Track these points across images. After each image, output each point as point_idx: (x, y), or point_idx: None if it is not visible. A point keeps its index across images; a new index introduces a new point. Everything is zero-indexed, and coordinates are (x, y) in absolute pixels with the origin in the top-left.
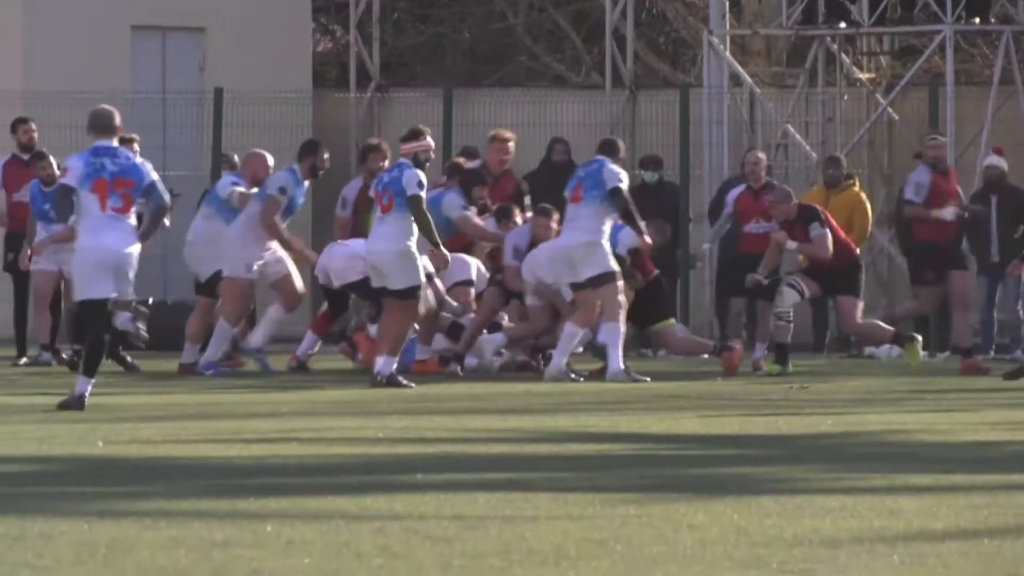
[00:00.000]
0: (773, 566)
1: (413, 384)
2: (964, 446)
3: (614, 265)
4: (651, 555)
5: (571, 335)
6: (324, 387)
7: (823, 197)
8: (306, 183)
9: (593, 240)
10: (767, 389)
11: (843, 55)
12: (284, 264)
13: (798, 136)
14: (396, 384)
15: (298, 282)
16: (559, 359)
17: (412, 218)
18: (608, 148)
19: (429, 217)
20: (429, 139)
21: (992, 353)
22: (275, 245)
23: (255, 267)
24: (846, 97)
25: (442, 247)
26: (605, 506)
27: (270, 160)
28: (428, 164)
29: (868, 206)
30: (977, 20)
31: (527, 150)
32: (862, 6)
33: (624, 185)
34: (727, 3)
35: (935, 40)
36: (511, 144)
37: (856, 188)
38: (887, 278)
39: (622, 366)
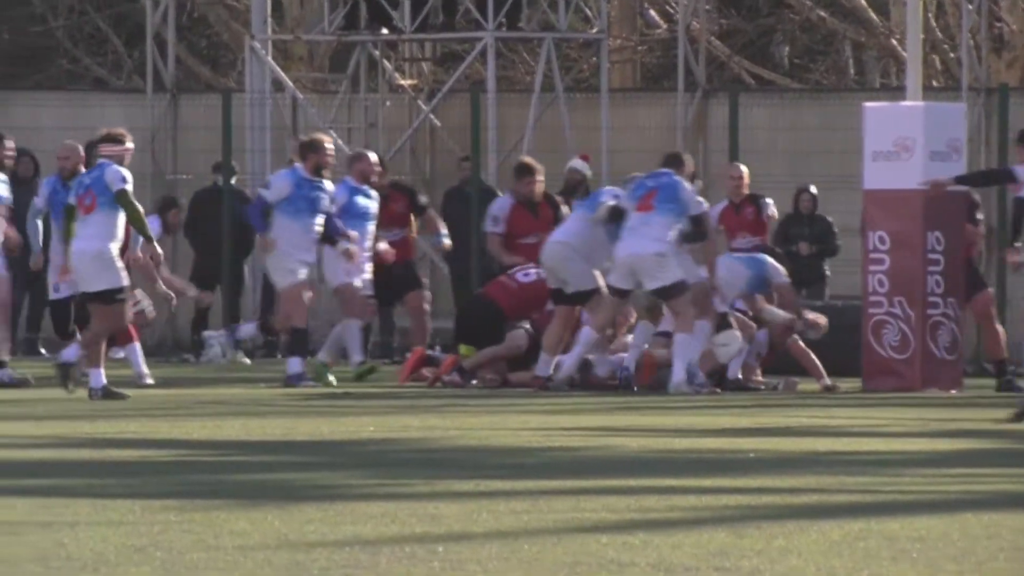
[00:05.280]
0: (314, 572)
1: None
2: (504, 451)
3: (683, 275)
4: (191, 561)
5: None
6: None
7: None
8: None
9: (662, 250)
10: (311, 395)
11: (385, 61)
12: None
13: (340, 142)
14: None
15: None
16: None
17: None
18: (673, 161)
19: (136, 208)
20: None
21: None
22: None
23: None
24: (388, 103)
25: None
26: (145, 512)
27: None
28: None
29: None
30: (520, 26)
31: None
32: (404, 12)
33: (706, 207)
34: (269, 7)
35: (476, 47)
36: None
37: None
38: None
39: (683, 377)
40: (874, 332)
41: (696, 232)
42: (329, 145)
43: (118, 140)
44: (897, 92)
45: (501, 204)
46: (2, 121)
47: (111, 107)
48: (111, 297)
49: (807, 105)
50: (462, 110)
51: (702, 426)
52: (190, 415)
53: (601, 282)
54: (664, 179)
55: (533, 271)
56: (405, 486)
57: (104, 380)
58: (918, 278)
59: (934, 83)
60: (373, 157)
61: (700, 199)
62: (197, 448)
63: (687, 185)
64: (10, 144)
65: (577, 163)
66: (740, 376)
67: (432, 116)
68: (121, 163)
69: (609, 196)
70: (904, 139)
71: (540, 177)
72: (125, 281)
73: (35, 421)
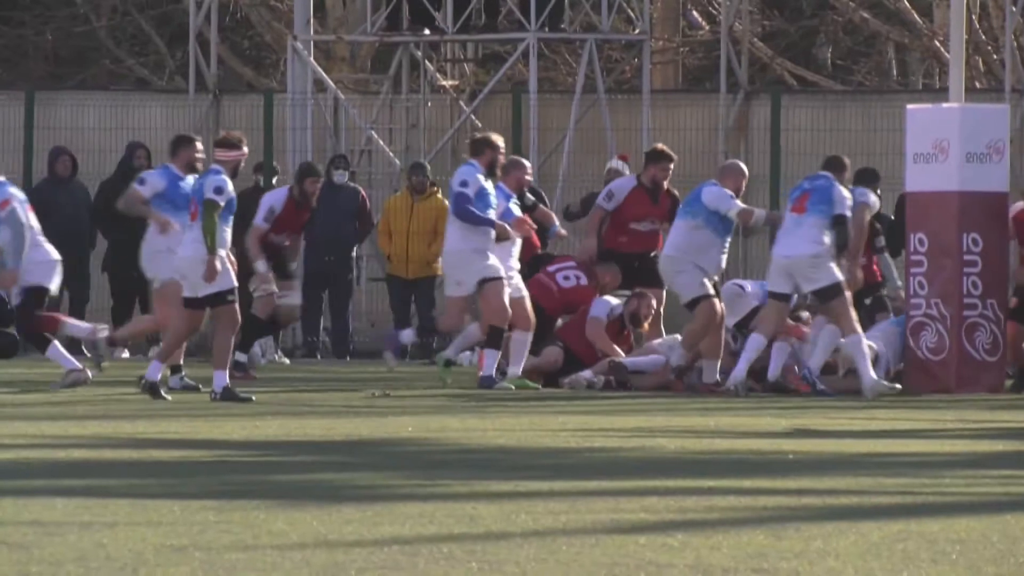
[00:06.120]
0: (352, 572)
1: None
2: (542, 452)
3: (839, 275)
4: (230, 561)
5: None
6: None
7: (407, 204)
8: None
9: (818, 251)
10: (350, 396)
11: (427, 62)
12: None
13: (382, 143)
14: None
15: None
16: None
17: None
18: (834, 164)
19: (213, 222)
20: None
21: None
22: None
23: None
24: (430, 104)
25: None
26: (184, 512)
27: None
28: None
29: None
30: (562, 27)
31: (110, 154)
32: (446, 13)
33: (851, 214)
34: (311, 8)
35: (518, 48)
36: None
37: (440, 195)
38: None
39: (873, 377)
40: (913, 334)
41: (839, 236)
42: (502, 143)
43: (232, 145)
44: (940, 94)
45: (621, 184)
46: (46, 121)
47: (153, 107)
48: (223, 299)
49: (849, 107)
50: (504, 111)
51: (741, 427)
52: (229, 415)
53: (708, 289)
54: (820, 182)
55: (573, 274)
56: (443, 487)
57: (227, 380)
58: (953, 279)
59: (977, 85)
60: (528, 166)
61: (850, 205)
62: (236, 448)
63: (842, 189)
64: (199, 146)
65: (617, 163)
66: (780, 377)
67: (474, 117)
68: (235, 169)
69: (715, 194)
70: (941, 141)
71: (672, 166)
72: (234, 282)
73: (76, 421)
